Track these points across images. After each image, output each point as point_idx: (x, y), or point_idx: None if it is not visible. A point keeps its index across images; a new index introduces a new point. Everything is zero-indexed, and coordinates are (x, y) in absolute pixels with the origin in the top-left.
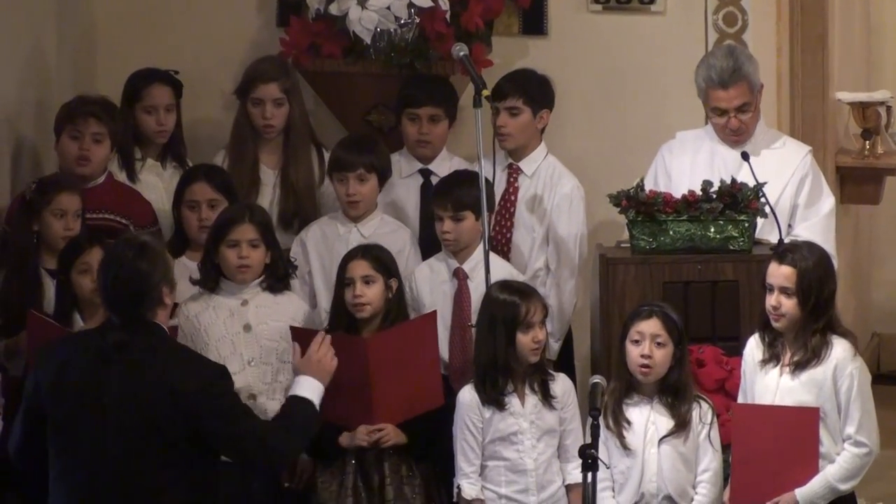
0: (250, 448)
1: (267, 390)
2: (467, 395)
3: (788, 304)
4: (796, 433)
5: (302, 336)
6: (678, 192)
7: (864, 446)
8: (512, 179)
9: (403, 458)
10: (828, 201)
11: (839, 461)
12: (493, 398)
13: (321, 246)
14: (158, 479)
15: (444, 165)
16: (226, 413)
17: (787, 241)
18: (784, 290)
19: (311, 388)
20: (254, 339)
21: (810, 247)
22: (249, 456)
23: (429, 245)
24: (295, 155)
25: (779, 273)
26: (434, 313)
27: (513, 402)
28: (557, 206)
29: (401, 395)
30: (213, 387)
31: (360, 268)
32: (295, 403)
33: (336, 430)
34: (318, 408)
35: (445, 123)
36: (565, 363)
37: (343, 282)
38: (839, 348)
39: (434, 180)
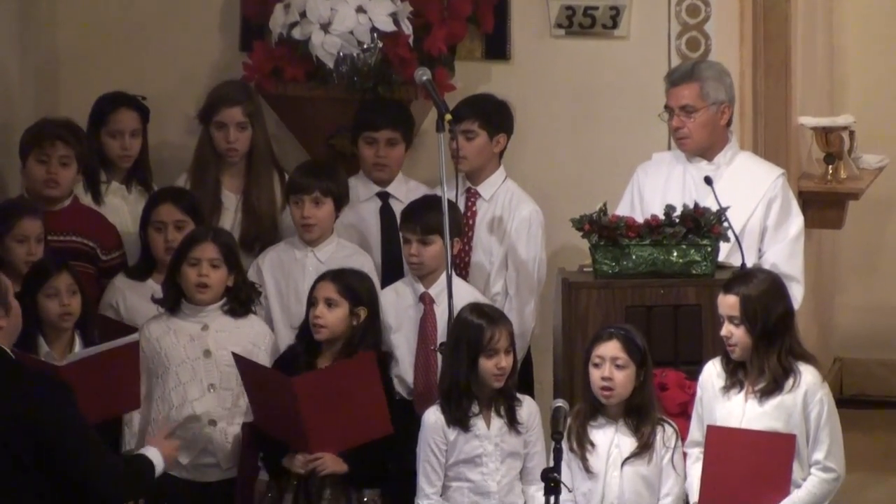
0: (103, 480)
1: (227, 416)
2: (432, 417)
3: (738, 333)
4: (770, 459)
5: (245, 366)
6: (650, 212)
7: (832, 472)
8: (470, 203)
9: (346, 486)
10: (795, 222)
11: (807, 486)
12: (458, 419)
13: (277, 271)
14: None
15: (401, 188)
16: (76, 435)
17: (754, 264)
18: (731, 320)
19: (156, 457)
20: (213, 365)
21: (760, 273)
22: (100, 485)
23: (391, 268)
24: (257, 179)
25: (724, 303)
26: (372, 355)
27: (478, 424)
28: (516, 230)
29: (339, 427)
30: (62, 408)
31: (325, 289)
32: (142, 458)
33: (279, 446)
34: (154, 478)
35: (402, 147)
36: (525, 386)
37: (310, 300)
38: (808, 375)
39: (393, 203)
